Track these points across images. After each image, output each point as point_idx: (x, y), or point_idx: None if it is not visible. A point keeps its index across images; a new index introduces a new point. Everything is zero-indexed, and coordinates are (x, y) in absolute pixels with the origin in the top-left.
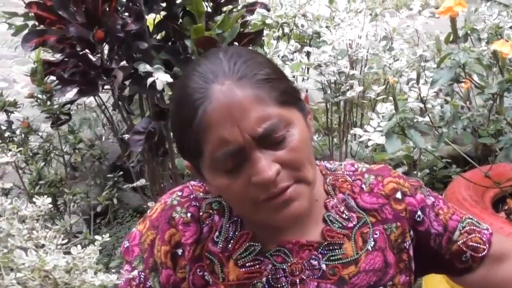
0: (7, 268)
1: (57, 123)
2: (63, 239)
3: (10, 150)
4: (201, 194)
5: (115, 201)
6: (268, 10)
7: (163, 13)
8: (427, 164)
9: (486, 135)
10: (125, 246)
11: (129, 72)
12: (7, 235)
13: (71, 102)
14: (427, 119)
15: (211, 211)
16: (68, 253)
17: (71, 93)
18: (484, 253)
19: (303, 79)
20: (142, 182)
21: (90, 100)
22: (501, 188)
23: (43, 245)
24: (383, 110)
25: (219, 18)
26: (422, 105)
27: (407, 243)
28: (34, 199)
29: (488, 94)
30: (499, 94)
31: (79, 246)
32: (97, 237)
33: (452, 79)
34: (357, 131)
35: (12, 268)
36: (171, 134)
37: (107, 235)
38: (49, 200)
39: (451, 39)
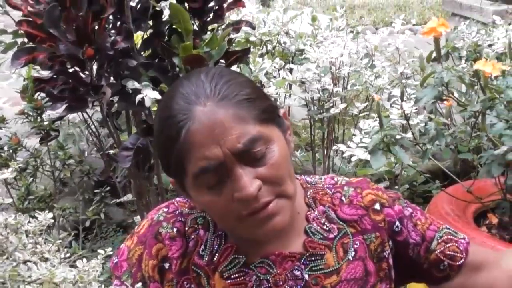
0: (14, 282)
1: (47, 139)
2: (65, 253)
3: (8, 166)
4: (186, 210)
5: (102, 216)
6: (253, 28)
7: (150, 30)
8: (407, 179)
9: (465, 151)
10: (114, 262)
11: (118, 89)
12: (14, 250)
13: (60, 118)
14: (409, 135)
15: (196, 226)
16: (72, 266)
17: (60, 109)
18: (461, 261)
19: (285, 96)
20: (129, 197)
21: (73, 115)
22: (482, 203)
23: (46, 259)
24: (365, 127)
25: (206, 36)
26: (404, 122)
27: (386, 252)
28: (36, 214)
29: (470, 112)
30: (482, 112)
31: (84, 260)
32: (100, 250)
33: (435, 97)
34: (341, 147)
35: (18, 281)
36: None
37: (103, 250)
38: (51, 215)
39: (433, 58)
